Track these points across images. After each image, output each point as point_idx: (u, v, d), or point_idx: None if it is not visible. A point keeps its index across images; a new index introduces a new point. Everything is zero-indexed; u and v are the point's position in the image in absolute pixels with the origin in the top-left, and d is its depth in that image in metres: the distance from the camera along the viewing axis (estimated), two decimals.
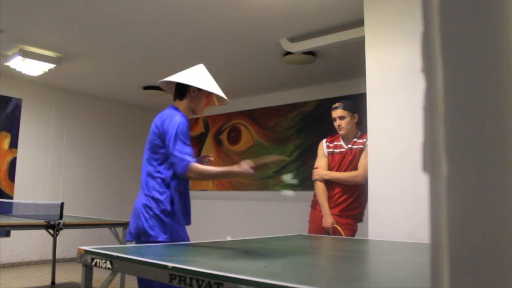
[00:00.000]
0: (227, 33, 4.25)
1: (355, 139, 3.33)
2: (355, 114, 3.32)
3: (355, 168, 3.27)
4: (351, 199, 3.26)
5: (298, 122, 6.29)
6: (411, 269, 1.62)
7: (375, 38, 3.12)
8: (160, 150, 2.31)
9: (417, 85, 2.67)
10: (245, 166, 2.08)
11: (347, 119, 3.28)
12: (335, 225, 3.20)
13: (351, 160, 3.30)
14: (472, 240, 0.41)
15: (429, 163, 0.45)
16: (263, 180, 6.51)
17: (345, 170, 3.30)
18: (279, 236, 2.80)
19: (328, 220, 3.21)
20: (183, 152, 2.18)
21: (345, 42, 4.00)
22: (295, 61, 4.88)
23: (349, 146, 3.32)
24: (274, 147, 6.48)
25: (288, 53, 4.60)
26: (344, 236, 3.13)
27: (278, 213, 6.08)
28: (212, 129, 7.17)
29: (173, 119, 2.31)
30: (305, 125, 6.18)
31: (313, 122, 6.06)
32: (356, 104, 3.41)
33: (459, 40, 0.44)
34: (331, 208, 3.26)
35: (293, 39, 4.34)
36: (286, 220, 5.67)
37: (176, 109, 2.45)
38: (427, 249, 0.45)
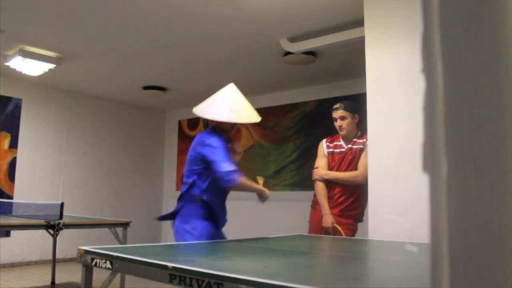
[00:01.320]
0: (227, 33, 4.25)
1: (355, 139, 3.33)
2: (356, 115, 3.32)
3: (355, 168, 3.27)
4: (351, 199, 3.26)
5: (298, 122, 6.29)
6: (411, 269, 1.62)
7: (375, 38, 3.12)
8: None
9: (417, 85, 2.66)
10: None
11: (348, 120, 3.28)
12: (335, 224, 3.20)
13: (351, 160, 3.30)
14: (472, 240, 0.41)
15: (429, 163, 0.45)
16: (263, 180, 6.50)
17: (345, 170, 3.30)
18: (279, 236, 2.80)
19: (328, 219, 3.21)
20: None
21: (345, 42, 4.00)
22: (295, 61, 4.88)
23: (349, 146, 3.32)
24: (274, 147, 6.48)
25: (288, 53, 4.60)
26: (344, 236, 3.13)
27: (278, 213, 6.08)
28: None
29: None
30: (305, 125, 6.18)
31: (313, 122, 6.06)
32: (357, 104, 3.41)
33: (459, 40, 0.44)
34: (331, 208, 3.26)
35: (293, 39, 4.34)
36: (286, 220, 5.67)
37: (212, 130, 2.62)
38: (427, 249, 0.45)
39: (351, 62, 4.65)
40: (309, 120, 6.16)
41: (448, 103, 0.43)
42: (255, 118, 2.55)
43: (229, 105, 2.47)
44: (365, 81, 3.13)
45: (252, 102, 7.80)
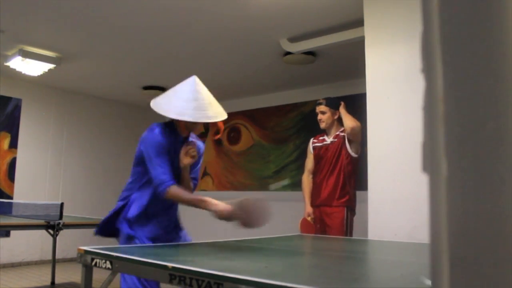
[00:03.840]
0: (227, 33, 4.25)
1: (338, 133, 3.51)
2: (337, 111, 3.51)
3: (339, 158, 3.42)
4: (338, 190, 3.40)
5: (298, 122, 6.29)
6: (411, 269, 1.62)
7: (375, 38, 3.12)
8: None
9: (417, 85, 2.66)
10: (221, 207, 2.04)
11: (328, 114, 3.51)
12: (307, 217, 3.47)
13: (334, 151, 3.46)
14: (472, 240, 0.41)
15: (429, 163, 0.45)
16: (263, 180, 6.51)
17: (331, 161, 3.46)
18: (279, 236, 2.80)
19: (305, 211, 3.51)
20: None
21: (345, 42, 4.00)
22: (295, 61, 4.88)
23: (332, 140, 3.52)
24: (274, 147, 6.48)
25: (288, 53, 4.60)
26: (314, 228, 3.40)
27: (278, 213, 6.07)
28: (212, 129, 7.15)
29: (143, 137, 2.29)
30: (305, 125, 6.18)
31: (313, 122, 6.03)
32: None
33: (459, 40, 0.44)
34: (320, 201, 3.44)
35: (293, 39, 4.34)
36: (286, 220, 5.67)
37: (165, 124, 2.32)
38: (427, 249, 0.45)
39: (351, 62, 4.64)
40: (309, 120, 6.16)
41: (448, 103, 0.43)
42: (222, 115, 2.24)
43: (193, 102, 2.16)
44: (365, 81, 3.13)
45: (252, 102, 7.78)
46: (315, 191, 3.52)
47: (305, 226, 3.47)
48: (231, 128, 6.98)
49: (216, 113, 2.22)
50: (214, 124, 2.36)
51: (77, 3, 3.66)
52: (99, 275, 1.93)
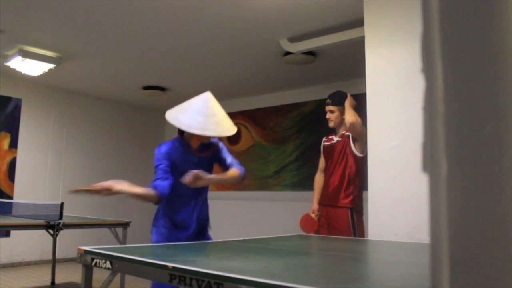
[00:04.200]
0: (227, 33, 4.25)
1: (344, 132, 3.47)
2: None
3: (344, 157, 3.41)
4: (342, 189, 3.38)
5: (298, 122, 6.29)
6: (411, 269, 1.62)
7: (375, 38, 3.12)
8: None
9: (417, 85, 2.66)
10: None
11: (336, 114, 3.46)
12: (310, 213, 3.49)
13: (340, 150, 3.43)
14: (472, 240, 0.41)
15: (429, 163, 0.45)
16: (263, 180, 6.51)
17: (337, 160, 3.44)
18: (279, 236, 2.80)
19: (312, 207, 3.53)
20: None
21: (345, 42, 4.00)
22: (295, 61, 4.88)
23: (337, 139, 3.49)
24: (274, 147, 6.48)
25: (288, 53, 4.60)
26: (316, 225, 3.42)
27: (278, 213, 6.08)
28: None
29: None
30: (305, 125, 6.18)
31: (313, 122, 6.06)
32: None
33: (459, 40, 0.43)
34: (326, 201, 3.43)
35: (293, 39, 4.34)
36: (286, 220, 5.67)
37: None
38: (427, 249, 0.45)
39: (351, 62, 4.65)
40: (309, 120, 6.16)
41: (448, 103, 0.43)
42: (229, 131, 2.39)
43: (203, 116, 2.32)
44: (365, 81, 3.13)
45: (252, 102, 7.79)
46: (323, 190, 3.53)
47: (306, 221, 3.48)
48: None
49: (232, 126, 2.39)
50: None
51: (77, 3, 3.66)
52: (99, 275, 1.93)
